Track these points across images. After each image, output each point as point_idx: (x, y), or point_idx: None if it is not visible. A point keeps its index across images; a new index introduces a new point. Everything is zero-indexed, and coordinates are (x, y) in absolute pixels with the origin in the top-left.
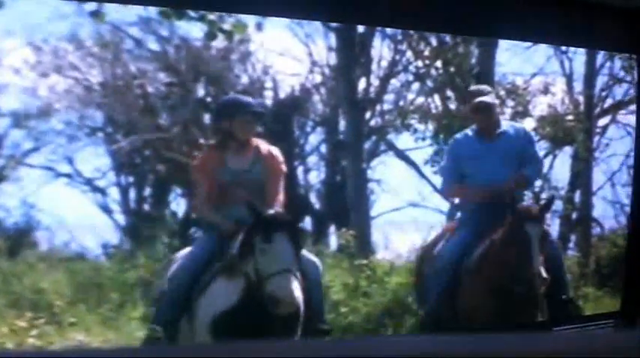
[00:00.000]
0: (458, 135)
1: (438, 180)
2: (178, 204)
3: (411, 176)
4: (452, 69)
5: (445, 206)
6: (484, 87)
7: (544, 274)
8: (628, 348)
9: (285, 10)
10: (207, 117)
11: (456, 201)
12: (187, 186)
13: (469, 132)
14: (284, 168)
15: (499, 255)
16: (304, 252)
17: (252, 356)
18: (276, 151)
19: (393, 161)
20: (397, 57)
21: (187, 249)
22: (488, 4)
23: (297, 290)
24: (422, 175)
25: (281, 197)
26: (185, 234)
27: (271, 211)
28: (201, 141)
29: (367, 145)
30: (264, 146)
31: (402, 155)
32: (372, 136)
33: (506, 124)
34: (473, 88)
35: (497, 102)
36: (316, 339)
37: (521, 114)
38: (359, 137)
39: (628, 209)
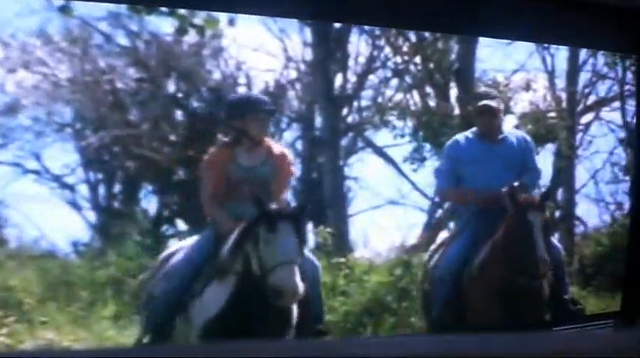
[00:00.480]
0: (457, 137)
1: (417, 178)
2: (149, 202)
3: (389, 173)
4: (431, 65)
5: (425, 204)
6: (491, 90)
7: (548, 258)
8: (628, 348)
9: (268, 8)
10: (179, 114)
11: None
12: (158, 182)
13: (469, 134)
14: (293, 170)
15: (502, 252)
16: (304, 251)
17: (250, 356)
18: (287, 153)
19: (371, 158)
20: (375, 52)
21: (178, 247)
22: (486, 4)
23: (299, 282)
24: (401, 173)
25: (286, 196)
26: (157, 232)
27: (277, 204)
28: (218, 136)
29: (344, 142)
30: (276, 146)
31: (380, 152)
32: (350, 133)
33: (507, 130)
34: (480, 90)
35: (502, 107)
36: (315, 339)
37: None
38: (336, 134)
39: (613, 207)
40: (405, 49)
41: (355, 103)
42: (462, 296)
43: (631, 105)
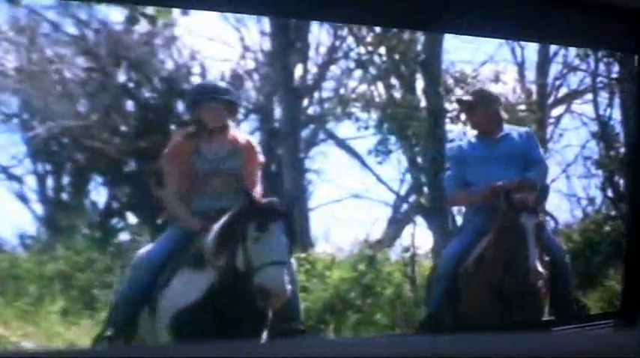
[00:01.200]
0: (460, 140)
1: (382, 171)
2: (99, 194)
3: (353, 166)
4: (396, 56)
5: (391, 198)
6: (479, 89)
7: (539, 268)
8: (628, 348)
9: (233, 5)
10: (130, 104)
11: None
12: (108, 174)
13: (471, 137)
14: (262, 158)
15: (495, 252)
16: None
17: (249, 356)
18: (253, 142)
19: (333, 150)
20: (337, 43)
21: (149, 247)
22: (485, 4)
23: (288, 283)
24: (365, 165)
25: (258, 188)
26: (106, 225)
27: (268, 200)
28: (177, 127)
29: (305, 134)
30: (241, 136)
31: (343, 144)
32: (311, 125)
33: (508, 128)
34: (474, 88)
35: (499, 104)
36: (315, 339)
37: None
38: (296, 125)
39: (585, 203)
40: (368, 39)
41: (316, 94)
42: (459, 292)
43: (604, 97)
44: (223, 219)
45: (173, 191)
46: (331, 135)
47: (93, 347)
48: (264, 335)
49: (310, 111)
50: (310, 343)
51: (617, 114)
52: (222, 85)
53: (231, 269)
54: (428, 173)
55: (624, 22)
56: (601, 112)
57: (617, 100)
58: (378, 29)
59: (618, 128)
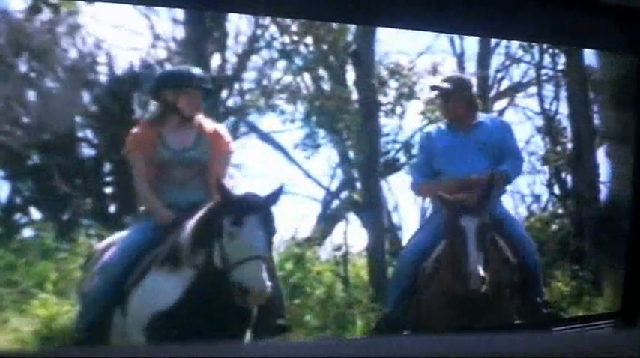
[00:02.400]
0: (429, 128)
1: (310, 166)
2: (0, 189)
3: (278, 160)
4: (324, 46)
5: (320, 194)
6: (454, 75)
7: (481, 273)
8: (628, 348)
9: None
10: (32, 95)
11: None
12: (10, 168)
13: (441, 124)
14: (232, 147)
15: (445, 256)
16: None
17: (248, 356)
18: (222, 130)
19: (256, 144)
20: (259, 32)
21: (116, 239)
22: (485, 4)
23: (267, 280)
24: (291, 160)
25: (226, 178)
26: (9, 221)
27: (243, 192)
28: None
29: (225, 127)
30: (208, 124)
31: (267, 138)
32: (230, 117)
33: (482, 116)
34: (446, 76)
35: (460, 89)
36: (315, 339)
37: (406, 96)
38: (214, 117)
39: (530, 200)
40: (293, 28)
41: (236, 86)
42: (417, 292)
43: (549, 90)
44: (198, 214)
45: (141, 180)
46: (253, 128)
47: (93, 347)
48: (248, 334)
49: (230, 102)
50: (308, 344)
51: (563, 108)
52: (199, 71)
53: (209, 267)
54: (361, 168)
55: (624, 22)
56: (546, 106)
57: (563, 94)
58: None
59: (565, 122)
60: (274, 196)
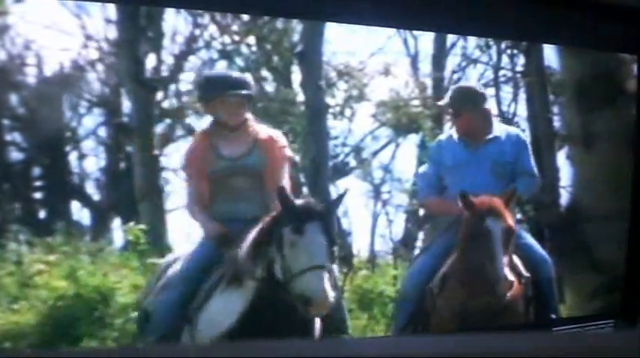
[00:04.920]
0: (441, 138)
1: None
2: None
3: None
4: (268, 46)
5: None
6: (464, 86)
7: (510, 277)
8: (628, 348)
9: None
10: None
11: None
12: None
13: (454, 135)
14: (288, 153)
15: (460, 265)
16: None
17: (252, 356)
18: (278, 136)
19: None
20: (197, 32)
21: (181, 254)
22: (484, 4)
23: (330, 290)
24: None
25: (285, 185)
26: None
27: (303, 200)
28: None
29: (160, 129)
30: (263, 130)
31: None
32: (167, 119)
33: (498, 129)
34: (458, 86)
35: (487, 105)
36: (315, 339)
37: (355, 98)
38: (148, 120)
39: None
40: (234, 28)
41: (172, 87)
42: (425, 314)
43: (507, 92)
44: (258, 225)
45: (192, 199)
46: (191, 131)
47: (93, 348)
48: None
49: (165, 104)
50: (310, 343)
51: (522, 110)
52: (239, 76)
53: (271, 280)
54: (307, 172)
55: (624, 22)
56: (504, 108)
57: (522, 95)
58: (245, 17)
59: (524, 125)
60: (337, 202)
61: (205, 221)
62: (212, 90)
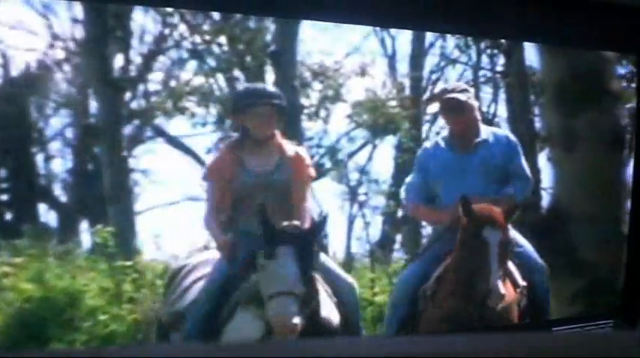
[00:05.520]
0: (427, 145)
1: None
2: None
3: (189, 166)
4: (240, 46)
5: None
6: (459, 84)
7: (501, 290)
8: (628, 348)
9: None
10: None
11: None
12: None
13: (440, 140)
14: (312, 172)
15: (454, 272)
16: (339, 273)
17: (251, 356)
18: (303, 152)
19: (164, 148)
20: (166, 31)
21: (197, 264)
22: (484, 4)
23: (296, 316)
24: (203, 165)
25: (308, 204)
26: None
27: (285, 223)
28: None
29: (128, 130)
30: (289, 146)
31: (175, 142)
32: (135, 120)
33: (486, 132)
34: (447, 86)
35: (475, 104)
36: (314, 339)
37: (331, 98)
38: (116, 121)
39: None
40: (205, 27)
41: (141, 87)
42: (417, 317)
43: (487, 92)
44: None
45: (209, 210)
46: (161, 132)
47: (93, 348)
48: None
49: (134, 105)
50: (308, 343)
51: (502, 110)
52: (271, 88)
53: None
54: None
55: (624, 22)
56: (484, 109)
57: (502, 96)
58: (216, 16)
59: (504, 126)
60: (317, 226)
61: (216, 234)
62: (245, 100)
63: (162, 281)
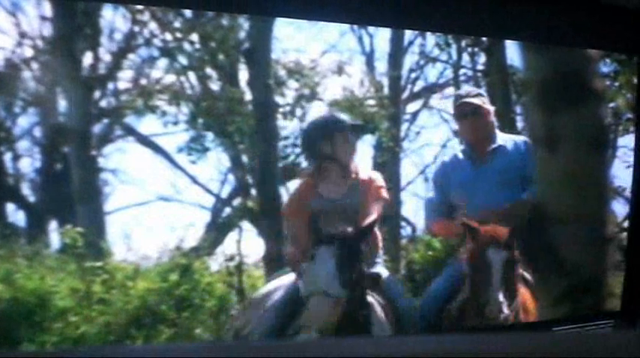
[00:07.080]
0: (445, 159)
1: (195, 170)
2: None
3: (160, 165)
4: (212, 44)
5: (208, 200)
6: (472, 89)
7: (505, 310)
8: (628, 348)
9: None
10: None
11: None
12: None
13: (458, 153)
14: (385, 194)
15: (465, 291)
16: (388, 276)
17: (252, 356)
18: (377, 176)
19: (134, 148)
20: (137, 29)
21: (279, 286)
22: (484, 3)
23: (330, 315)
24: (175, 165)
25: (372, 217)
26: None
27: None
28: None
29: (98, 129)
30: (364, 171)
31: (146, 141)
32: (104, 119)
33: (502, 138)
34: (460, 91)
35: (491, 108)
36: (313, 339)
37: (307, 97)
38: (85, 120)
39: None
40: (177, 25)
41: (110, 85)
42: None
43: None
44: None
45: (296, 248)
46: (131, 131)
47: (94, 348)
48: None
49: (104, 103)
50: (308, 343)
51: None
52: (343, 115)
53: None
54: (256, 173)
55: (624, 22)
56: None
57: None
58: (188, 13)
59: None
60: (363, 231)
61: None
62: (329, 127)
63: (134, 282)
